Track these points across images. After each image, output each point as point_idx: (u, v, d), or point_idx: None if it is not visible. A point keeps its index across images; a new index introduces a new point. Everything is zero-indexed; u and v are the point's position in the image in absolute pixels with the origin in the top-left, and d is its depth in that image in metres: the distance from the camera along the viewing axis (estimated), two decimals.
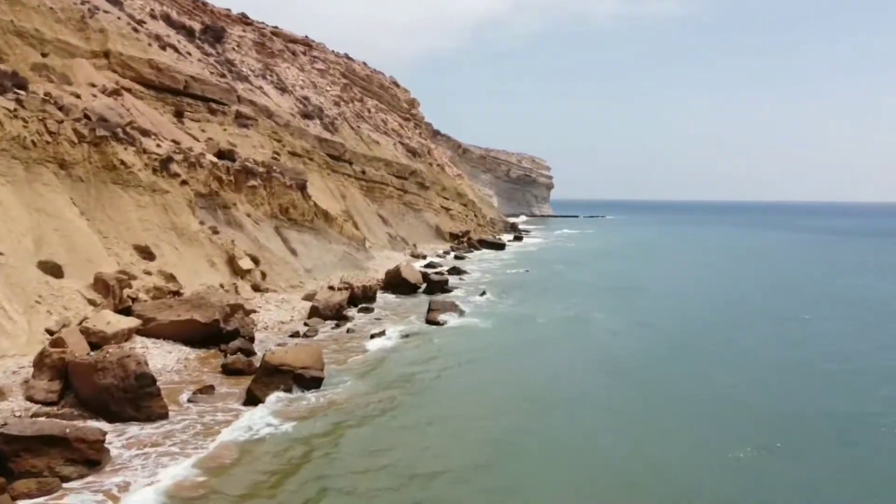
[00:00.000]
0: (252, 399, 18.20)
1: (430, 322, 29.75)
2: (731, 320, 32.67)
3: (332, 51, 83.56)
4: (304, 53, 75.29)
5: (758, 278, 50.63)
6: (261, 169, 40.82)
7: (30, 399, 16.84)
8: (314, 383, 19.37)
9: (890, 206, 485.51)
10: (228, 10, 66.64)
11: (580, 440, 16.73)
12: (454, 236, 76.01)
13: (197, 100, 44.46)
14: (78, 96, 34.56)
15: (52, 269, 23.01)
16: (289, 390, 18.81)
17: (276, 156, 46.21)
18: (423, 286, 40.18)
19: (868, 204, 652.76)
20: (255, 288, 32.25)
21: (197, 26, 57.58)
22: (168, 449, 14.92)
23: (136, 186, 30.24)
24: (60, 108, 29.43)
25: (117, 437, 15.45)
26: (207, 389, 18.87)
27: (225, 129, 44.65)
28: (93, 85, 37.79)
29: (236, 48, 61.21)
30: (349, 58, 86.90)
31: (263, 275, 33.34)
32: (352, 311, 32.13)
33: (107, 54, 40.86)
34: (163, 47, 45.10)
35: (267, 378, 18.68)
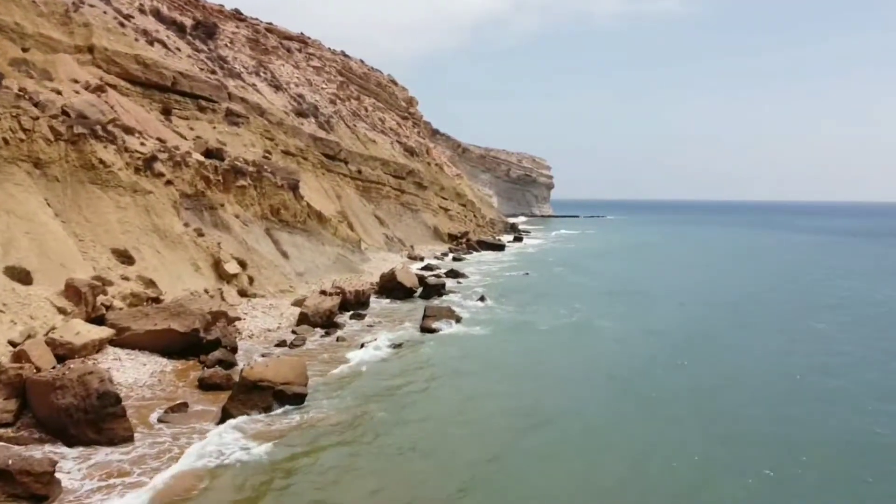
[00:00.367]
0: (227, 418, 16.75)
1: (424, 330, 28.28)
2: (738, 327, 31.18)
3: (329, 48, 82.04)
4: (300, 51, 73.79)
5: (763, 282, 49.15)
6: (251, 168, 39.37)
7: None
8: (296, 400, 17.93)
9: (890, 206, 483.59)
10: (221, 5, 65.15)
11: (576, 461, 15.33)
12: (453, 237, 74.54)
13: (186, 97, 43.04)
14: (59, 92, 33.11)
15: (20, 276, 21.55)
16: (268, 408, 17.36)
17: (267, 155, 44.75)
18: (420, 290, 38.75)
19: (868, 204, 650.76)
20: (242, 293, 30.80)
21: (188, 22, 56.13)
22: (127, 479, 13.47)
23: (115, 187, 28.79)
24: (36, 105, 28.00)
25: (74, 464, 14.02)
26: (180, 407, 17.42)
27: (214, 128, 43.21)
28: (75, 81, 36.34)
29: (229, 45, 59.74)
30: (346, 55, 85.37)
31: (251, 279, 31.89)
32: (344, 317, 30.70)
33: (91, 49, 39.47)
34: (150, 42, 43.66)
35: (244, 395, 17.22)
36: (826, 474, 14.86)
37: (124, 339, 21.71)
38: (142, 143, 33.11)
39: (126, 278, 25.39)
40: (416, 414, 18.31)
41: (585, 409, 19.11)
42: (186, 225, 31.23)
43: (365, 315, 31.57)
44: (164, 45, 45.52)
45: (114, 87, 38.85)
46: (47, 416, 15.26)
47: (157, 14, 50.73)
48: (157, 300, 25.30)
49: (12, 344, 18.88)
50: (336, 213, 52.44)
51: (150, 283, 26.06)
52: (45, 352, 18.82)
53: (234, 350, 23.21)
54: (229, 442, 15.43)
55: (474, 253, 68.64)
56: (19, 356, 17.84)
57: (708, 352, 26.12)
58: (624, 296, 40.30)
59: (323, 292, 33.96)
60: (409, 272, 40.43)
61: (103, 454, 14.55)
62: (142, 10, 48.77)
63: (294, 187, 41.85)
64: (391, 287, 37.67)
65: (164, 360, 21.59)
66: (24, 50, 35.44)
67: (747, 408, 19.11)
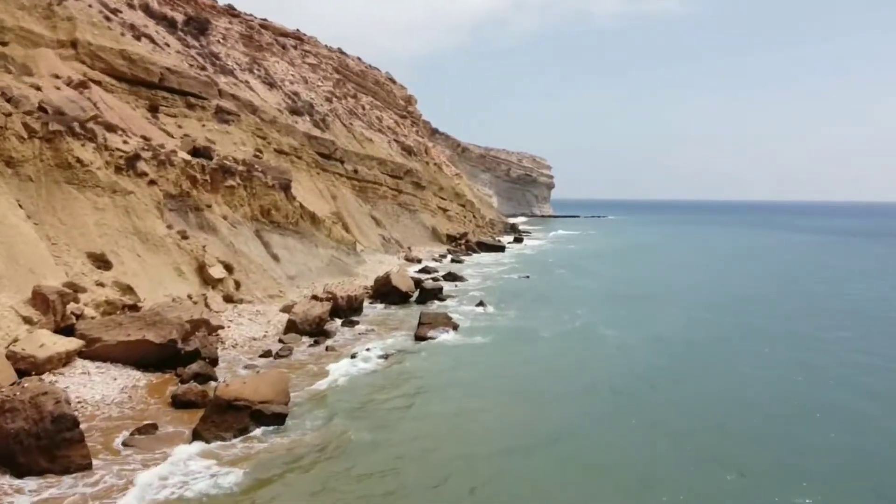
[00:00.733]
0: (198, 442, 15.24)
1: (419, 338, 26.77)
2: (745, 335, 29.50)
3: (325, 45, 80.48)
4: (295, 47, 72.24)
5: (767, 285, 47.63)
6: (241, 167, 37.87)
7: None
8: (276, 420, 16.41)
9: (890, 206, 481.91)
10: (214, 1, 63.62)
11: (572, 489, 13.87)
12: (451, 238, 73.03)
13: (174, 94, 41.53)
14: (38, 88, 31.57)
15: None
16: (244, 430, 15.85)
17: (258, 154, 43.24)
18: (416, 294, 37.25)
19: (868, 204, 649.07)
20: (228, 299, 29.31)
21: (180, 17, 54.62)
22: None
23: (93, 187, 27.28)
24: (9, 100, 26.48)
25: (22, 497, 12.53)
26: (148, 429, 15.90)
27: (204, 125, 41.70)
28: (56, 76, 34.84)
29: (222, 41, 58.22)
30: (342, 52, 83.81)
31: (237, 284, 30.38)
32: (335, 324, 29.18)
33: (74, 44, 37.94)
34: (137, 37, 42.16)
35: (217, 416, 15.71)
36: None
37: (95, 351, 20.23)
38: (124, 142, 31.63)
39: (101, 284, 23.88)
40: (404, 434, 16.81)
41: (585, 429, 17.59)
42: (170, 227, 29.73)
43: (357, 322, 30.06)
44: (153, 41, 44.01)
45: (98, 83, 37.33)
46: None
47: (146, 9, 49.22)
48: (134, 307, 23.80)
49: None
50: (331, 213, 50.96)
51: (128, 290, 24.57)
52: (6, 366, 17.39)
53: (214, 362, 21.73)
54: (197, 470, 13.93)
55: (473, 254, 67.15)
56: None
57: (716, 364, 24.49)
58: (627, 300, 38.82)
59: (315, 297, 32.48)
60: (405, 276, 38.94)
61: (56, 485, 13.06)
62: (130, 5, 47.25)
63: (286, 187, 40.36)
64: (386, 291, 36.17)
65: (138, 374, 20.09)
66: (4, 44, 33.97)
67: (758, 430, 17.41)
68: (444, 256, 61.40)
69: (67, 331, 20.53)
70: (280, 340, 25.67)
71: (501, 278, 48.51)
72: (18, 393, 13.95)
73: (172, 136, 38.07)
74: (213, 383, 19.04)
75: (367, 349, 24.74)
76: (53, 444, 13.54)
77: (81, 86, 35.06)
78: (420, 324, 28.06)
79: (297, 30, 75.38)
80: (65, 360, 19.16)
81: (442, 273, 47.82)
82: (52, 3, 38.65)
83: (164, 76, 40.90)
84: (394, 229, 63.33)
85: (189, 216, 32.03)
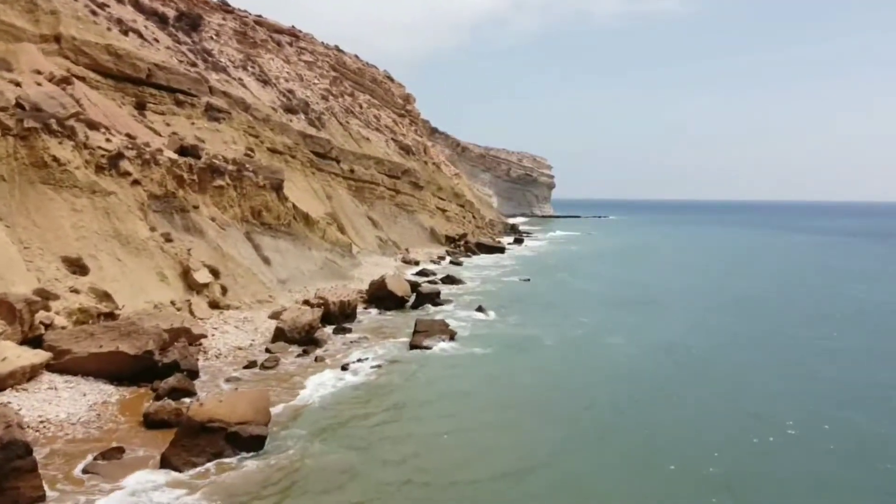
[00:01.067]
0: (167, 470, 13.84)
1: (414, 347, 25.34)
2: (756, 346, 28.05)
3: (322, 42, 79.00)
4: (291, 44, 70.79)
5: (775, 288, 46.29)
6: (230, 167, 36.44)
7: None
8: (254, 444, 14.99)
9: (890, 206, 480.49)
10: None
11: None
12: (450, 239, 71.62)
13: (162, 90, 40.11)
14: (18, 84, 30.15)
15: None
16: (218, 455, 14.44)
17: (250, 152, 41.82)
18: (412, 298, 35.85)
19: (869, 204, 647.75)
20: (214, 305, 27.90)
21: (171, 13, 53.21)
22: None
23: (71, 187, 25.88)
24: None
25: None
26: (113, 453, 14.51)
27: (193, 123, 40.28)
28: (38, 72, 33.36)
29: (215, 37, 56.79)
30: (340, 50, 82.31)
31: (224, 289, 28.97)
32: (327, 331, 27.75)
33: (58, 38, 36.52)
34: (125, 32, 40.74)
35: (189, 440, 14.30)
36: None
37: (64, 364, 18.83)
38: (107, 140, 30.22)
39: (76, 291, 22.47)
40: (391, 457, 15.44)
41: (583, 451, 16.21)
42: (153, 229, 28.33)
43: (350, 329, 28.64)
44: (141, 36, 42.61)
45: (82, 79, 35.91)
46: None
47: (136, 4, 47.80)
48: (111, 315, 22.41)
49: None
50: (325, 214, 49.53)
51: (105, 297, 23.16)
52: None
53: (194, 374, 20.33)
54: (162, 502, 12.53)
55: (473, 256, 65.75)
56: None
57: (723, 380, 22.63)
58: (630, 305, 37.42)
59: (306, 302, 31.13)
60: (401, 279, 37.52)
61: None
62: (119, 0, 45.82)
63: (278, 187, 38.94)
64: (381, 296, 34.75)
65: (111, 389, 18.71)
66: None
67: (770, 456, 15.97)
68: (442, 258, 59.99)
69: (35, 342, 19.15)
70: (267, 350, 24.28)
71: (501, 281, 47.10)
72: None
73: (160, 135, 36.66)
74: (188, 400, 17.61)
75: (359, 360, 23.35)
76: (2, 475, 12.15)
77: (64, 82, 33.63)
78: (415, 332, 26.67)
79: (293, 26, 73.97)
80: (30, 374, 17.77)
81: (440, 276, 46.42)
82: None
83: (152, 72, 39.49)
84: (391, 230, 61.91)
85: (174, 218, 30.62)
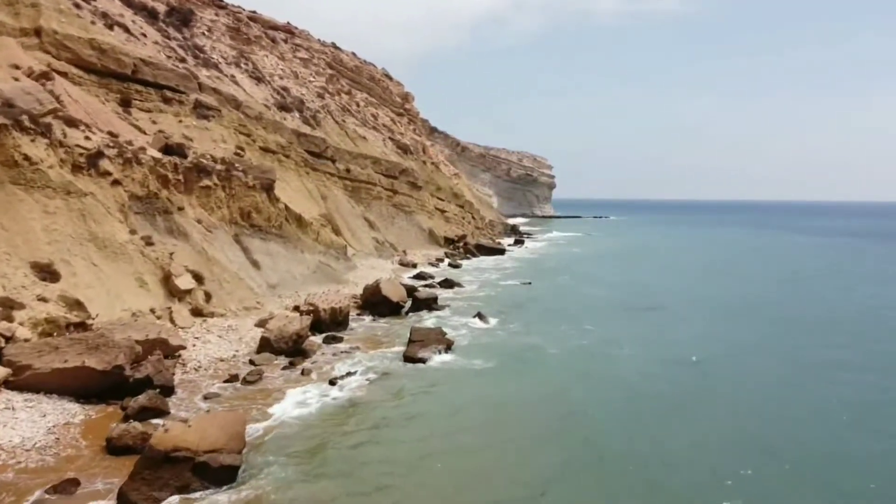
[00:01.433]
0: None
1: (408, 359, 23.78)
2: (766, 356, 26.47)
3: (318, 39, 77.41)
4: (286, 41, 69.21)
5: (780, 292, 44.75)
6: (219, 166, 34.89)
7: None
8: (225, 475, 13.44)
9: (890, 206, 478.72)
10: None
11: None
12: (449, 241, 70.07)
13: (148, 87, 38.55)
14: None
15: None
16: (184, 489, 12.91)
17: (240, 151, 40.28)
18: (409, 303, 34.32)
19: (868, 204, 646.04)
20: (197, 312, 26.38)
21: (161, 8, 51.63)
22: None
23: (43, 188, 24.33)
24: None
25: None
26: (67, 486, 12.99)
27: (181, 121, 38.73)
28: (16, 67, 31.76)
29: (207, 33, 55.23)
30: (336, 47, 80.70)
31: (208, 295, 27.43)
32: (316, 340, 26.20)
33: (38, 32, 34.96)
34: (110, 27, 39.20)
35: (151, 472, 12.77)
36: None
37: (25, 381, 17.31)
38: (87, 138, 28.68)
39: (44, 299, 20.93)
40: (376, 487, 13.93)
41: (581, 479, 14.78)
42: (133, 232, 26.78)
43: (341, 338, 27.08)
44: (127, 30, 41.07)
45: (64, 74, 34.35)
46: None
47: None
48: (82, 325, 20.88)
49: None
50: (320, 215, 48.00)
51: (76, 305, 21.61)
52: None
53: (168, 391, 18.80)
54: None
55: (472, 258, 64.19)
56: None
57: (734, 395, 21.00)
58: (635, 311, 35.88)
59: (296, 308, 29.64)
60: (397, 284, 35.96)
61: None
62: None
63: (268, 188, 37.39)
64: (375, 301, 33.18)
65: (75, 408, 17.17)
66: None
67: (786, 487, 14.50)
68: (441, 260, 58.44)
69: None
70: (251, 361, 22.75)
71: (501, 285, 45.53)
72: None
73: (145, 133, 35.12)
74: (158, 421, 16.07)
75: (348, 373, 21.80)
76: None
77: (43, 77, 32.00)
78: (410, 341, 25.11)
79: (288, 23, 72.36)
80: None
81: (438, 279, 44.89)
82: None
83: (138, 68, 37.93)
84: (388, 232, 60.36)
85: (157, 220, 29.09)
